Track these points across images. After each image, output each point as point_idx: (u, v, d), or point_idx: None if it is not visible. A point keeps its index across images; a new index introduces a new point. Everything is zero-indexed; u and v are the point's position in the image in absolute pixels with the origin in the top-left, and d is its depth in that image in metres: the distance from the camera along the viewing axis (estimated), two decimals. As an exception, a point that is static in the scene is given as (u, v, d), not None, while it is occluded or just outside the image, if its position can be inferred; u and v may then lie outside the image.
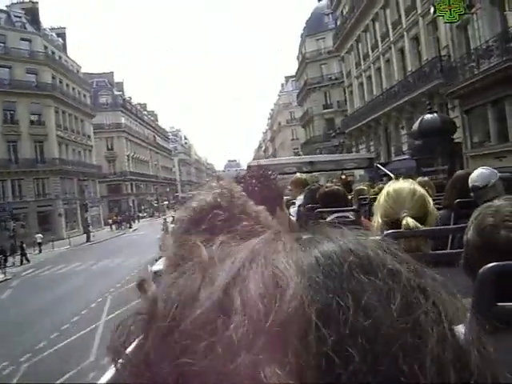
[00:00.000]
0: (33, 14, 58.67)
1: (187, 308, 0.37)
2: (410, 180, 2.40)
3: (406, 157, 30.25)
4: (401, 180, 2.36)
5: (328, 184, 5.74)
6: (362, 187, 7.33)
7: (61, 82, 60.94)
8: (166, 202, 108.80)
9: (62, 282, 26.07)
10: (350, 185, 11.30)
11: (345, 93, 55.70)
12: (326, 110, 61.68)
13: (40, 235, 47.90)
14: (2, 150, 51.55)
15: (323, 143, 59.26)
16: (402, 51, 31.79)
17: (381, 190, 2.61)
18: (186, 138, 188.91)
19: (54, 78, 58.44)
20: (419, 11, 27.95)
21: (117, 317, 16.91)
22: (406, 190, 2.21)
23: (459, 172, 4.37)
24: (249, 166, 10.51)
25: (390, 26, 33.17)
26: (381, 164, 35.59)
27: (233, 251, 0.41)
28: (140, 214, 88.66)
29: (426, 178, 5.64)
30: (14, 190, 52.28)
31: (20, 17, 56.93)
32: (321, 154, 58.77)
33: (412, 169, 25.48)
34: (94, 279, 26.06)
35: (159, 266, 1.85)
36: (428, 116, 16.58)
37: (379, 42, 35.65)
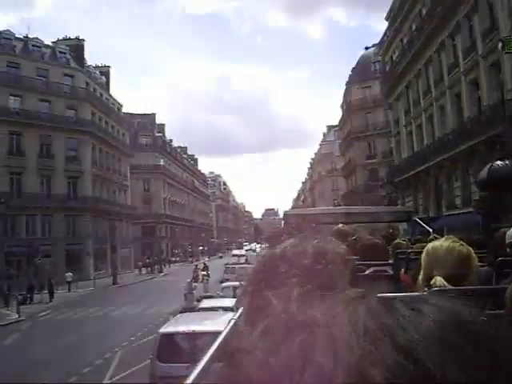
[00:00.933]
0: (77, 51, 58.62)
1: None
2: (453, 238, 2.41)
3: (462, 211, 27.44)
4: (444, 238, 2.40)
5: (369, 236, 5.77)
6: (399, 241, 6.97)
7: (100, 119, 60.31)
8: (201, 247, 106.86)
9: (74, 328, 23.82)
10: (394, 239, 9.91)
11: (390, 142, 53.45)
12: (369, 161, 59.21)
13: (70, 274, 46.49)
14: (34, 184, 50.51)
15: (365, 194, 56.63)
16: (458, 96, 29.27)
17: (420, 246, 3.16)
18: (225, 184, 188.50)
19: (93, 114, 57.80)
20: (480, 52, 25.58)
21: (122, 379, 14.45)
22: (443, 249, 2.27)
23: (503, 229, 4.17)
24: (285, 214, 9.97)
25: (445, 70, 30.80)
26: (430, 218, 32.82)
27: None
28: (173, 259, 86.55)
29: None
30: (43, 226, 50.95)
31: (65, 53, 56.86)
32: (363, 205, 56.30)
33: (470, 223, 22.79)
34: (109, 328, 23.76)
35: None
36: (498, 163, 13.82)
37: (432, 88, 33.26)
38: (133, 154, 72.99)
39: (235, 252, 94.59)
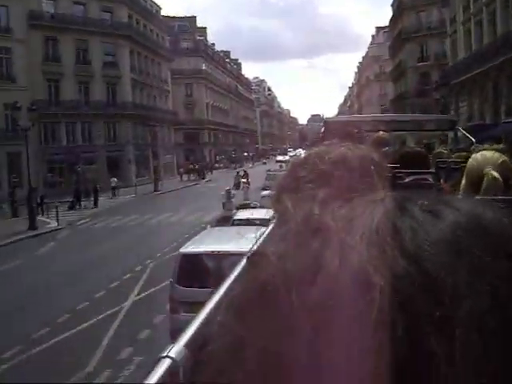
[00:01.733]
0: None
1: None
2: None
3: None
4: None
5: (411, 145, 6.74)
6: (440, 150, 7.03)
7: (138, 22, 57.95)
8: (246, 154, 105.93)
9: (110, 237, 23.30)
10: (431, 148, 10.32)
11: (444, 44, 49.68)
12: (421, 63, 55.50)
13: (115, 179, 46.30)
14: (72, 91, 49.44)
15: (416, 99, 53.63)
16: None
17: (463, 156, 3.15)
18: (269, 90, 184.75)
19: (130, 17, 55.42)
20: None
21: (148, 297, 13.65)
22: (491, 155, 2.37)
23: None
24: (325, 122, 9.85)
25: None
26: (487, 125, 30.38)
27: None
28: (216, 165, 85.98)
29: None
30: (83, 133, 50.38)
31: (97, -48, 53.74)
32: (412, 111, 53.53)
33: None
34: (144, 238, 23.14)
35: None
36: None
37: (496, -21, 29.68)
38: (173, 59, 70.71)
39: (279, 158, 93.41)
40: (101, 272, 16.43)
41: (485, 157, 2.35)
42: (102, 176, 47.74)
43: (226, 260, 8.63)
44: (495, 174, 2.17)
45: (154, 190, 47.30)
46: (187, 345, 1.21)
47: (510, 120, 27.14)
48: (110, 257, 18.73)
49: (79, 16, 49.94)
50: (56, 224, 29.45)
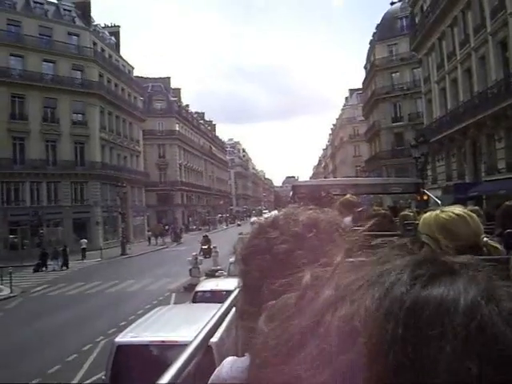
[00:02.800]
0: (84, 9, 54.99)
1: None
2: (459, 207, 2.38)
3: (506, 176, 23.92)
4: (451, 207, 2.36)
5: (375, 207, 6.74)
6: (407, 213, 6.90)
7: (109, 81, 57.08)
8: (220, 215, 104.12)
9: (62, 309, 20.97)
10: (396, 210, 10.32)
11: (417, 104, 49.62)
12: (395, 124, 55.27)
13: (85, 240, 45.06)
14: (39, 149, 47.76)
15: (390, 160, 53.05)
16: (503, 43, 25.31)
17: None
18: (244, 151, 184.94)
19: (101, 76, 54.56)
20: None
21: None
22: (453, 219, 2.22)
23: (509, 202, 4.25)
24: (294, 186, 10.21)
25: (487, 14, 26.76)
26: (467, 184, 29.32)
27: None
28: (189, 227, 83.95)
29: (476, 207, 4.66)
30: (49, 193, 48.42)
31: (70, 10, 53.35)
32: (387, 171, 52.86)
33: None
34: (101, 308, 20.84)
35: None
36: None
37: (471, 36, 29.22)
38: (145, 119, 69.76)
39: (253, 220, 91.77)
40: (42, 352, 14.26)
41: (473, 219, 2.22)
42: (68, 238, 45.61)
43: (173, 352, 6.80)
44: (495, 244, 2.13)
45: (121, 254, 45.02)
46: None
47: (491, 178, 26.11)
48: (57, 333, 16.52)
49: (48, 74, 48.83)
50: (9, 291, 27.13)
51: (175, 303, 20.77)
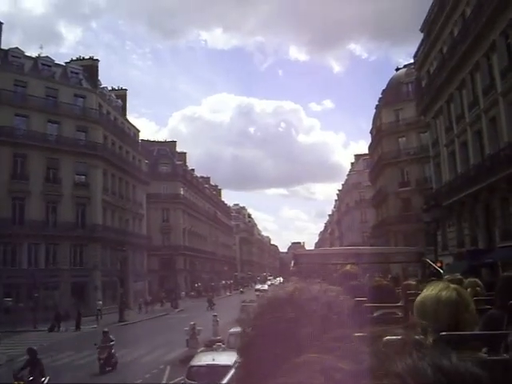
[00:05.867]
0: (91, 71, 55.50)
1: None
2: (444, 284, 2.39)
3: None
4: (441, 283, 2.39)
5: (377, 278, 6.25)
6: (409, 282, 7.01)
7: (113, 143, 56.87)
8: (224, 282, 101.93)
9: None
10: (398, 280, 11.05)
11: (425, 169, 48.88)
12: (402, 189, 54.37)
13: (100, 302, 45.79)
14: (39, 210, 46.90)
15: (398, 225, 51.80)
16: (515, 104, 24.61)
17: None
18: (249, 217, 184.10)
19: (105, 138, 54.37)
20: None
21: None
22: (429, 301, 2.25)
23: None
24: (295, 255, 9.66)
25: (496, 74, 26.22)
26: (481, 251, 27.93)
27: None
28: (192, 293, 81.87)
29: (475, 279, 5.36)
30: (47, 255, 47.15)
31: (77, 73, 53.72)
32: (395, 237, 51.54)
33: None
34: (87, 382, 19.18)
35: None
36: None
37: (480, 98, 28.62)
38: (149, 182, 69.22)
39: (258, 287, 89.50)
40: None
41: (424, 306, 2.25)
42: (65, 303, 44.04)
43: None
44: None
45: (119, 321, 43.14)
46: None
47: (506, 244, 24.77)
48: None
49: (52, 134, 48.60)
50: (-5, 360, 25.49)
51: (169, 377, 19.22)
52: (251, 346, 0.95)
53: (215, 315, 29.31)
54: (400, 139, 55.56)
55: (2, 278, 43.09)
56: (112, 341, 23.37)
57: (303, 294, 0.94)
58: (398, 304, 4.57)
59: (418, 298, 2.33)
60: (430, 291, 2.29)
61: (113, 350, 22.84)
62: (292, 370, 0.43)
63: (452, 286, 2.34)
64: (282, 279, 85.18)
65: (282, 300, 0.96)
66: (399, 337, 0.49)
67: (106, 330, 24.98)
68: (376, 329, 0.59)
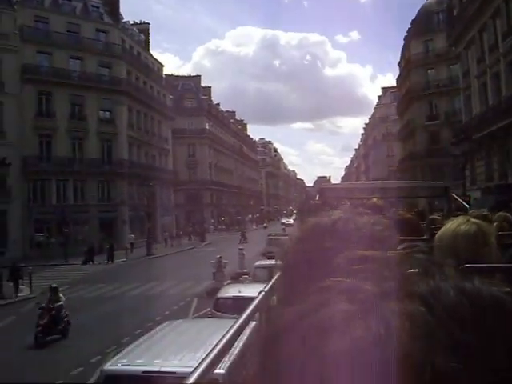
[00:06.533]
0: (112, 6, 54.26)
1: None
2: (464, 218, 2.39)
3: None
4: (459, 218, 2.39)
5: (401, 212, 5.97)
6: (434, 217, 6.73)
7: (137, 78, 56.35)
8: (250, 216, 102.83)
9: (76, 313, 19.85)
10: (423, 214, 10.14)
11: (454, 101, 47.56)
12: (430, 122, 53.21)
13: (132, 236, 47.38)
14: (66, 147, 47.21)
15: (425, 159, 51.05)
16: (552, 33, 23.46)
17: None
18: (275, 151, 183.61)
19: (129, 73, 53.84)
20: None
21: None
22: (448, 233, 2.27)
23: None
24: (320, 189, 9.83)
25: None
26: (510, 186, 27.37)
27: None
28: (219, 227, 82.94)
29: (506, 214, 5.08)
30: (75, 192, 47.80)
31: (98, 7, 52.66)
32: (422, 171, 50.90)
33: None
34: (119, 314, 19.76)
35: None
36: None
37: (516, 27, 27.36)
38: (174, 117, 68.86)
39: (284, 220, 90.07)
40: (43, 367, 13.16)
41: (441, 240, 2.26)
42: (94, 237, 45.00)
43: (174, 382, 5.59)
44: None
45: (147, 254, 44.05)
46: None
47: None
48: (65, 343, 15.43)
49: (76, 70, 48.27)
50: (28, 292, 26.33)
51: (196, 309, 19.68)
52: (288, 269, 0.96)
53: (241, 248, 29.58)
54: (429, 71, 53.93)
55: (33, 215, 44.06)
56: (59, 301, 17.72)
57: (347, 224, 0.95)
58: (422, 238, 4.36)
59: (438, 233, 2.34)
60: (450, 225, 2.30)
61: (62, 312, 17.35)
62: (315, 293, 0.43)
63: (472, 220, 2.32)
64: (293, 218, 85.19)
65: (325, 228, 0.97)
66: (422, 258, 0.50)
67: (55, 285, 18.97)
68: (399, 252, 0.59)
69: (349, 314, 0.37)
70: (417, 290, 0.40)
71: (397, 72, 68.82)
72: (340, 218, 0.99)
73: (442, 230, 2.33)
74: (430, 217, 7.32)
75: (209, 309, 15.23)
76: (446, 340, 0.35)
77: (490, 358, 0.35)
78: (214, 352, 1.39)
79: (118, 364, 7.09)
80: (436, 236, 2.35)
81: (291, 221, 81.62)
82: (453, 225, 2.28)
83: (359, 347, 0.34)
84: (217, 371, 1.57)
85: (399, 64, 66.29)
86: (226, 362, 5.39)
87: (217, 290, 17.54)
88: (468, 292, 0.39)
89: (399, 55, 66.58)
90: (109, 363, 7.36)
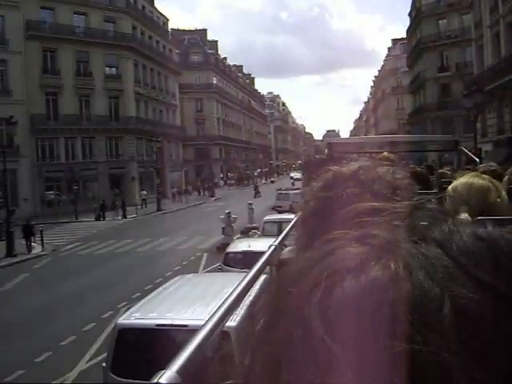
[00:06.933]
0: (115, -42, 52.95)
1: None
2: (477, 173, 2.53)
3: None
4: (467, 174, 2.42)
5: (411, 165, 6.12)
6: (444, 171, 6.76)
7: (143, 33, 55.52)
8: (259, 170, 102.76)
9: (88, 268, 20.17)
10: (432, 168, 10.44)
11: (466, 53, 46.63)
12: (441, 74, 52.28)
13: (144, 192, 48.20)
14: (73, 104, 46.97)
15: (436, 112, 50.46)
16: None
17: (462, 175, 2.63)
18: (283, 105, 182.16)
19: (134, 28, 53.03)
20: None
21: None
22: (461, 186, 2.29)
23: None
24: (329, 144, 9.57)
25: None
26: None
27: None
28: (228, 181, 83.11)
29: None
30: (84, 149, 47.91)
31: (100, -40, 51.41)
32: (433, 124, 50.38)
33: None
34: (126, 270, 20.00)
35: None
36: None
37: (530, -26, 26.53)
38: (181, 72, 68.14)
39: (292, 175, 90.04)
40: (57, 320, 13.39)
41: (456, 191, 2.25)
42: (104, 194, 45.19)
43: (183, 337, 5.66)
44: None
45: (157, 210, 44.29)
46: (179, 371, 1.09)
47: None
48: (77, 298, 15.62)
49: (80, 26, 47.64)
50: (40, 249, 26.68)
51: (206, 264, 19.85)
52: (309, 218, 0.99)
53: (250, 203, 29.58)
54: (440, 21, 52.66)
55: (42, 173, 44.23)
56: None
57: (368, 173, 0.97)
58: (432, 191, 4.43)
59: (451, 185, 2.37)
60: (463, 179, 2.33)
61: None
62: (327, 242, 0.42)
63: (484, 175, 2.38)
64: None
65: (346, 176, 0.99)
66: (434, 208, 0.50)
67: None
68: (412, 201, 0.59)
69: (364, 255, 0.37)
70: (431, 235, 0.41)
71: (407, 22, 67.46)
72: (360, 166, 1.01)
73: (456, 182, 2.36)
74: (440, 171, 7.34)
75: (219, 264, 15.37)
76: (465, 279, 0.35)
77: (508, 299, 0.35)
78: (225, 306, 1.44)
79: (131, 318, 7.23)
80: (449, 187, 2.38)
81: (299, 175, 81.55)
82: (466, 178, 2.31)
83: (376, 286, 0.34)
84: (228, 324, 1.57)
85: (409, 14, 64.78)
86: (237, 315, 5.54)
87: (226, 245, 17.65)
88: (482, 236, 0.40)
89: (410, 5, 65.13)
90: (122, 317, 7.50)
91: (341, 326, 0.33)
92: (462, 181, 2.32)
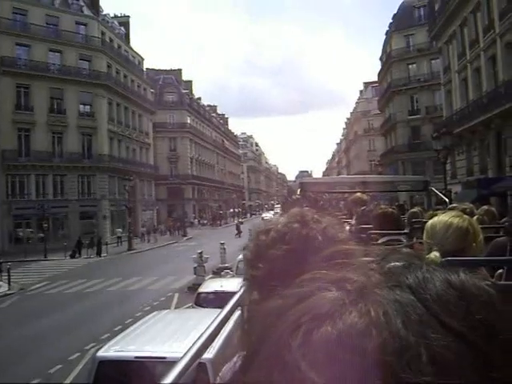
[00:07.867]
0: (92, -2, 53.61)
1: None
2: (454, 212, 2.53)
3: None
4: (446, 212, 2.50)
5: (382, 206, 5.90)
6: (414, 210, 7.02)
7: (118, 72, 55.76)
8: (232, 210, 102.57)
9: (58, 309, 19.65)
10: (404, 208, 11.46)
11: (435, 96, 47.89)
12: (412, 117, 53.42)
13: (120, 230, 48.41)
14: (45, 141, 46.61)
15: (407, 154, 51.35)
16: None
17: (433, 215, 2.93)
18: (257, 145, 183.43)
19: (109, 66, 53.25)
20: None
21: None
22: (440, 224, 2.28)
23: None
24: (301, 183, 9.83)
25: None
26: (490, 179, 27.62)
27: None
28: (201, 221, 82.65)
29: (486, 207, 5.70)
30: (55, 186, 47.27)
31: (77, 0, 51.95)
32: (404, 166, 51.22)
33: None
34: (100, 310, 19.50)
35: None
36: None
37: (496, 22, 27.45)
38: (155, 111, 68.38)
39: (264, 215, 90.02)
40: (22, 362, 12.93)
41: (434, 229, 2.27)
42: (74, 232, 44.49)
43: (161, 369, 5.73)
44: (434, 257, 1.96)
45: (128, 249, 43.71)
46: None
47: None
48: (44, 338, 15.14)
49: (55, 64, 47.64)
50: (7, 288, 25.95)
51: (177, 304, 19.52)
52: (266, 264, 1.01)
53: (222, 243, 29.38)
54: (410, 66, 54.10)
55: (12, 210, 43.48)
56: None
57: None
58: (403, 231, 4.62)
59: (430, 222, 2.35)
60: (443, 217, 2.32)
61: None
62: (302, 283, 0.43)
63: (465, 216, 2.37)
64: (278, 210, 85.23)
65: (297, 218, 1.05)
66: (406, 252, 0.50)
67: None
68: (382, 248, 0.58)
69: (341, 300, 0.37)
70: (406, 281, 0.41)
71: (378, 66, 69.13)
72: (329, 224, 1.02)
73: (436, 219, 2.34)
74: (411, 210, 7.50)
75: (190, 304, 15.14)
76: (438, 327, 0.36)
77: (480, 345, 0.35)
78: (201, 340, 1.46)
79: (110, 350, 7.23)
80: (427, 224, 2.35)
81: (269, 216, 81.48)
82: (447, 216, 2.30)
83: (354, 332, 0.35)
84: (204, 356, 1.63)
85: (381, 58, 66.46)
86: (213, 347, 5.52)
87: (198, 285, 17.44)
88: (454, 284, 0.40)
89: (381, 49, 66.81)
90: (101, 350, 7.43)
91: (322, 369, 0.33)
92: (442, 219, 2.30)
